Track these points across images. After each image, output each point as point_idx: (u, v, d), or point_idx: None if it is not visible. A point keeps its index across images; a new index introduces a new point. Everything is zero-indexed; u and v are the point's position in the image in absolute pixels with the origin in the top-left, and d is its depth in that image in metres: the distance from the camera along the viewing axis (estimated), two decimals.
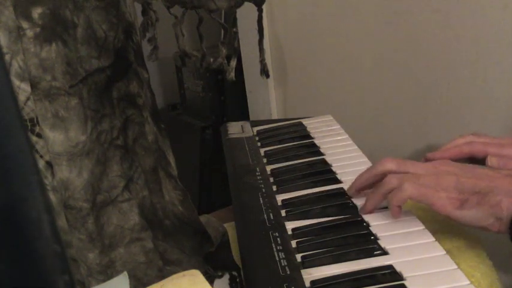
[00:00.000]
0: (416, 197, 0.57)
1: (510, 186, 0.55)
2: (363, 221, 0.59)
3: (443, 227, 0.62)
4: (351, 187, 0.65)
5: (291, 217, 0.62)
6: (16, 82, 0.54)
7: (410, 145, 0.88)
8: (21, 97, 0.55)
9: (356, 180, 0.65)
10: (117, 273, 0.59)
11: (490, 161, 0.66)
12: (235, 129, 0.93)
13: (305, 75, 1.30)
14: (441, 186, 0.56)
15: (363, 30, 1.13)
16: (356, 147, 0.80)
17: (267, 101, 1.37)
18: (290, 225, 0.60)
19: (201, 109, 1.71)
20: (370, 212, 0.61)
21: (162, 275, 0.61)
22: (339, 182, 0.69)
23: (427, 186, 0.57)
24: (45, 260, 0.21)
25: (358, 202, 0.63)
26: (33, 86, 0.56)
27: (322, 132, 0.87)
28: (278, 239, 0.57)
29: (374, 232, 0.57)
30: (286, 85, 1.35)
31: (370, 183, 0.63)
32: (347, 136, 0.84)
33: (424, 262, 0.51)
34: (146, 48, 0.82)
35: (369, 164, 0.73)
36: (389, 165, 0.61)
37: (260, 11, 0.84)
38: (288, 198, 0.66)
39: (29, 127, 0.55)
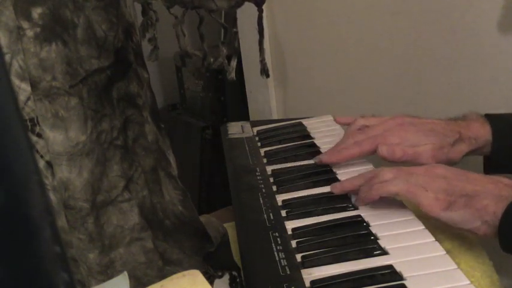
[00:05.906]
0: (404, 193, 0.58)
1: (498, 191, 0.55)
2: (363, 221, 0.59)
3: (443, 227, 0.62)
4: (337, 186, 0.66)
5: (291, 217, 0.62)
6: (16, 82, 0.54)
7: None
8: (21, 97, 0.55)
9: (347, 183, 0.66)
10: (117, 273, 0.59)
11: (381, 149, 0.69)
12: (235, 129, 0.93)
13: (305, 75, 1.30)
14: (431, 188, 0.57)
15: (363, 30, 1.13)
16: None
17: (267, 101, 1.37)
18: (290, 225, 0.60)
19: (201, 109, 1.71)
20: (367, 203, 0.62)
21: (162, 275, 0.61)
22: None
23: (417, 185, 0.58)
24: (45, 260, 0.21)
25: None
26: (33, 86, 0.56)
27: (322, 132, 0.87)
28: (278, 239, 0.57)
29: (374, 232, 0.56)
30: (286, 85, 1.35)
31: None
32: None
33: (424, 262, 0.51)
34: (146, 48, 0.82)
35: (368, 164, 0.73)
36: (388, 175, 0.61)
37: (260, 11, 0.84)
38: (288, 199, 0.66)
39: (29, 127, 0.55)
